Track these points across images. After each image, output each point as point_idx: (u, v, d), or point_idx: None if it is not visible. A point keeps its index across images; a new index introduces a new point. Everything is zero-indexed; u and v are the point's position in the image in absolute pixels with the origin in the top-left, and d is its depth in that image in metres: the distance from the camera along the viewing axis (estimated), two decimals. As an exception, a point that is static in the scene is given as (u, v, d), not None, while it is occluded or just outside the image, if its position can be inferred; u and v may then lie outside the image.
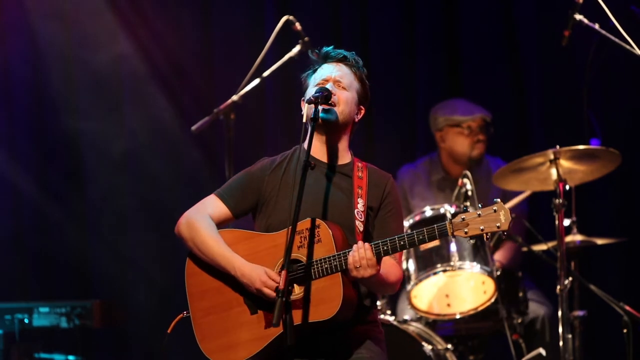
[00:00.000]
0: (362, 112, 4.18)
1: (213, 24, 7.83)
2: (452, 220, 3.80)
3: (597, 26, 5.58)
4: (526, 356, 6.00)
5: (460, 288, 6.04)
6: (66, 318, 6.77)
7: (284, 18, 6.21)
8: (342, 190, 4.05)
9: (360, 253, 3.81)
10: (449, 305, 5.99)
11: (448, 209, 5.92)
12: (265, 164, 4.17)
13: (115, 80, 7.78)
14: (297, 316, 3.85)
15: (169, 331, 4.16)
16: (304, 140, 4.07)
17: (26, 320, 6.72)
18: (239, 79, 6.26)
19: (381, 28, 7.56)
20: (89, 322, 6.80)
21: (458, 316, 5.97)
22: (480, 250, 5.94)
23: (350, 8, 7.66)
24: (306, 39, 6.24)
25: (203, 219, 4.10)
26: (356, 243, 3.88)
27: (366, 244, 3.84)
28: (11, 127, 7.84)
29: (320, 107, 4.01)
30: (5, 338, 6.73)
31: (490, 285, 5.95)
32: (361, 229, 3.97)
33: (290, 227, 3.80)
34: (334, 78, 4.12)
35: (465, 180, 6.02)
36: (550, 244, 6.03)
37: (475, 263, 5.91)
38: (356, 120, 4.16)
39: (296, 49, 6.25)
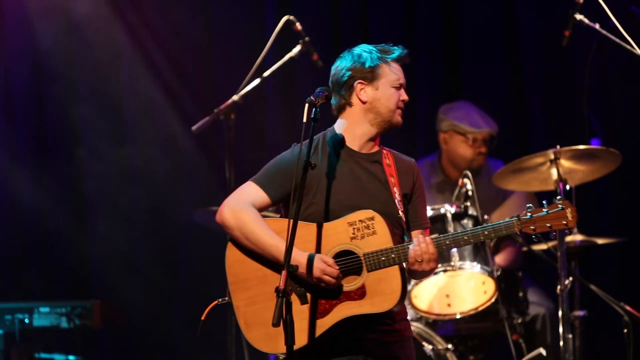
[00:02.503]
0: None
1: (213, 24, 7.83)
2: (520, 217, 3.88)
3: (597, 26, 5.58)
4: (526, 356, 6.01)
5: (460, 288, 6.04)
6: (66, 318, 6.76)
7: (284, 18, 6.21)
8: (378, 179, 4.08)
9: (422, 247, 3.88)
10: (449, 305, 5.99)
11: (448, 209, 5.93)
12: (301, 153, 4.12)
13: (115, 80, 7.78)
14: (351, 307, 3.90)
15: (202, 318, 4.16)
16: (304, 140, 4.07)
17: (26, 320, 6.72)
18: (239, 79, 6.26)
19: (381, 28, 7.56)
20: (89, 322, 6.80)
21: (458, 316, 5.97)
22: (481, 250, 5.94)
23: (350, 8, 7.66)
24: (306, 39, 6.24)
25: (249, 208, 4.06)
26: (403, 233, 3.99)
27: (427, 238, 3.92)
28: (11, 128, 7.84)
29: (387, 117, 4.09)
30: (5, 338, 6.73)
31: (490, 285, 5.96)
32: (404, 219, 4.04)
33: (291, 225, 3.81)
34: (404, 84, 4.16)
35: (466, 180, 6.03)
36: (550, 244, 6.03)
37: (475, 263, 5.91)
38: None
39: (296, 49, 6.26)
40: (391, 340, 4.02)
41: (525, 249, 6.33)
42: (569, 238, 5.94)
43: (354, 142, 4.14)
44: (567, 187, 5.75)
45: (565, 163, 5.74)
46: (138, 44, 7.76)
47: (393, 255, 3.90)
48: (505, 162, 6.21)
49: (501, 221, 3.92)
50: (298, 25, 6.20)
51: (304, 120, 4.09)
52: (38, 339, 6.92)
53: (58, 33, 7.75)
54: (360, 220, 3.94)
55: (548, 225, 3.86)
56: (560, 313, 5.58)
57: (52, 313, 6.76)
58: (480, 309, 5.96)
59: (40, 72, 7.80)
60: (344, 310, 3.90)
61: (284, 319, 3.75)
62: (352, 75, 4.11)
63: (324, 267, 3.89)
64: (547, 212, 3.86)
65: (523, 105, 7.39)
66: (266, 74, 6.25)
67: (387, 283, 3.89)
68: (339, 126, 4.18)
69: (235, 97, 6.22)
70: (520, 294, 6.22)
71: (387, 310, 3.88)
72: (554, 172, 5.73)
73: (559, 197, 3.91)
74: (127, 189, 7.81)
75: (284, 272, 3.76)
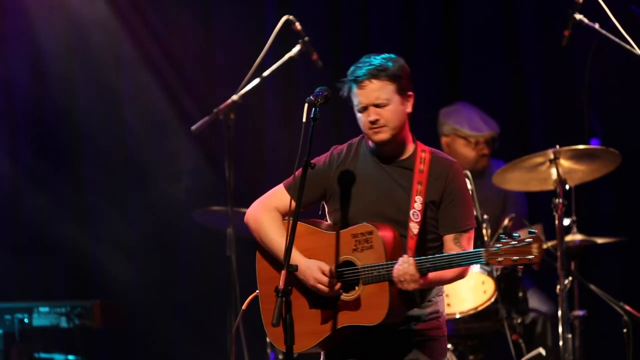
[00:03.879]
0: (412, 97, 4.17)
1: (213, 24, 7.83)
2: (488, 249, 3.87)
3: (597, 26, 5.58)
4: (526, 356, 6.00)
5: (460, 288, 6.03)
6: (66, 318, 6.76)
7: (284, 18, 6.21)
8: (403, 187, 4.10)
9: (403, 268, 3.90)
10: (448, 305, 5.98)
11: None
12: (332, 159, 4.19)
13: (116, 80, 7.78)
14: (348, 317, 3.98)
15: (244, 307, 4.23)
16: (304, 141, 4.08)
17: (26, 320, 6.72)
18: (239, 79, 6.26)
19: (381, 28, 7.56)
20: (89, 322, 6.80)
21: (458, 316, 5.97)
22: (480, 250, 5.93)
23: (350, 8, 7.66)
24: (306, 39, 6.23)
25: (269, 212, 4.17)
26: (408, 246, 4.00)
27: (410, 259, 3.92)
28: (11, 128, 7.84)
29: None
30: (5, 338, 6.73)
31: (490, 285, 5.95)
32: (415, 231, 4.03)
33: (290, 228, 3.86)
34: (372, 102, 4.10)
35: (465, 180, 6.02)
36: (550, 244, 6.03)
37: (475, 263, 5.90)
38: (409, 110, 4.17)
39: (296, 49, 6.25)
40: (410, 341, 4.06)
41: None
42: (568, 238, 5.94)
43: (379, 149, 4.15)
44: (567, 187, 5.75)
45: (564, 163, 5.74)
46: (138, 44, 7.76)
47: (382, 272, 3.94)
48: (506, 162, 6.21)
49: (471, 251, 3.93)
50: (298, 25, 6.20)
51: (304, 120, 4.10)
52: (38, 338, 6.92)
53: (58, 33, 7.75)
54: (361, 233, 4.00)
55: (514, 258, 3.83)
56: (560, 313, 5.58)
57: (51, 313, 6.76)
58: (479, 308, 5.96)
59: (40, 72, 7.80)
60: (342, 320, 3.99)
61: (283, 318, 3.79)
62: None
63: (319, 276, 3.97)
64: (514, 245, 3.84)
65: (523, 105, 7.38)
66: (266, 73, 6.25)
67: (377, 297, 3.94)
68: None
69: (234, 97, 6.21)
70: (520, 294, 6.22)
71: (375, 324, 3.93)
72: (553, 172, 5.73)
73: (530, 230, 3.87)
74: (126, 189, 7.81)
75: (283, 272, 3.81)
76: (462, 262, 3.92)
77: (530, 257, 3.81)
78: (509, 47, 7.41)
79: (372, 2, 7.60)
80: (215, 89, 7.64)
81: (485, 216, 6.04)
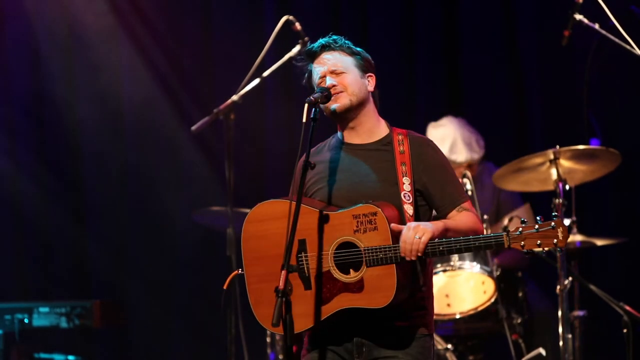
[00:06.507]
0: (373, 78, 4.23)
1: (213, 24, 7.84)
2: (510, 232, 3.84)
3: (597, 26, 5.58)
4: (526, 356, 6.01)
5: (460, 288, 6.05)
6: (66, 318, 6.77)
7: (284, 18, 6.21)
8: (385, 170, 4.09)
9: (407, 245, 3.86)
10: (448, 305, 6.00)
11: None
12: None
13: (115, 80, 7.79)
14: (349, 299, 3.93)
15: (225, 287, 4.19)
16: (304, 140, 4.08)
17: (26, 320, 6.73)
18: (239, 79, 6.26)
19: (381, 29, 7.57)
20: (89, 322, 6.80)
21: (458, 316, 5.98)
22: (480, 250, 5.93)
23: (350, 8, 7.66)
24: (306, 39, 6.23)
25: None
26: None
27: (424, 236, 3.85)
28: (11, 128, 7.85)
29: (323, 106, 4.10)
30: (5, 338, 6.73)
31: (490, 285, 5.96)
32: (410, 212, 4.01)
33: (290, 228, 3.85)
34: (328, 70, 4.18)
35: (465, 180, 6.03)
36: (550, 244, 6.02)
37: (475, 263, 5.91)
38: (371, 89, 4.21)
39: (296, 49, 6.25)
40: (391, 340, 4.03)
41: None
42: (568, 238, 5.94)
43: (349, 137, 4.17)
44: (567, 187, 5.75)
45: (565, 163, 5.74)
46: (138, 44, 7.77)
47: (390, 254, 3.91)
48: (506, 161, 6.21)
49: (492, 234, 3.89)
50: (297, 25, 6.20)
51: (304, 120, 4.10)
52: (38, 339, 6.93)
53: (58, 34, 7.76)
54: (364, 214, 3.95)
55: (538, 242, 3.80)
56: (560, 313, 5.59)
57: (51, 313, 6.76)
58: (479, 309, 5.97)
59: (40, 72, 7.81)
60: (342, 302, 3.94)
61: (283, 318, 3.78)
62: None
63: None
64: (537, 229, 3.81)
65: (523, 105, 7.39)
66: (266, 74, 6.25)
67: (383, 280, 3.91)
68: None
69: (234, 97, 6.21)
70: (520, 294, 6.23)
71: (381, 306, 3.90)
72: (553, 172, 5.73)
73: (554, 214, 3.85)
74: (126, 189, 7.82)
75: (283, 272, 3.79)
76: (482, 245, 3.89)
77: (555, 241, 3.79)
78: (509, 47, 7.41)
79: (371, 2, 7.60)
80: (215, 89, 7.64)
81: (485, 216, 6.04)
